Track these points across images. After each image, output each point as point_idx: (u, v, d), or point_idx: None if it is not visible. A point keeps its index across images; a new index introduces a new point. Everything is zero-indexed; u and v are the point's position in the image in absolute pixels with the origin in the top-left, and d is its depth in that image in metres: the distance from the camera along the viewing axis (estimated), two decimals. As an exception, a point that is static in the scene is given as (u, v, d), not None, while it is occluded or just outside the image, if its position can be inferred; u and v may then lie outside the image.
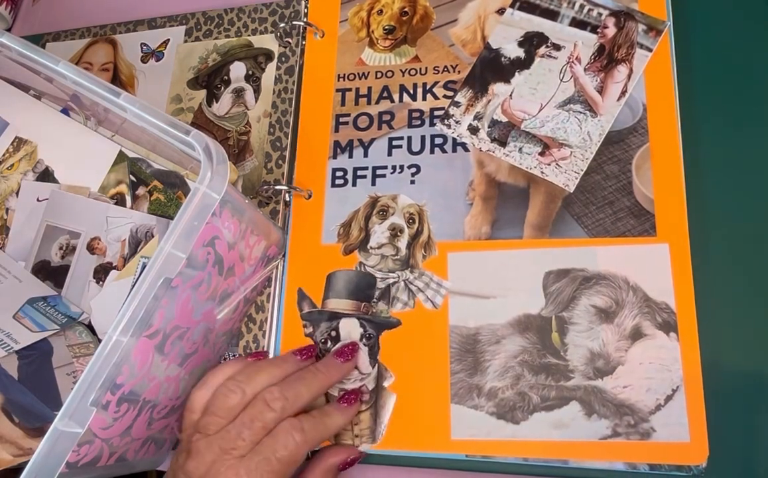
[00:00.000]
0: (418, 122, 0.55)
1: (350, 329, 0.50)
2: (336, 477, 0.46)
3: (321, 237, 0.53)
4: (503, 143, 0.52)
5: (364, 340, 0.49)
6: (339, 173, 0.55)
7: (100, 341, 0.51)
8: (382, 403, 0.48)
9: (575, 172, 0.50)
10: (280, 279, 0.53)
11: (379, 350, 0.49)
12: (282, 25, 0.60)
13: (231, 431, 0.41)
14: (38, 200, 0.57)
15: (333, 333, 0.50)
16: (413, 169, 0.53)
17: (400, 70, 0.57)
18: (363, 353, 0.49)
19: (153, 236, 0.53)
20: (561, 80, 0.52)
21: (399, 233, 0.52)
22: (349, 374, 0.48)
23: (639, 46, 0.52)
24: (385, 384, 0.48)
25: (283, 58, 0.60)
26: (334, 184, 0.55)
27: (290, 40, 0.60)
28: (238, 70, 0.61)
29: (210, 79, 0.62)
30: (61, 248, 0.55)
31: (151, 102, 0.62)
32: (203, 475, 0.40)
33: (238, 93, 0.60)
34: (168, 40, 0.65)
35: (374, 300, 0.50)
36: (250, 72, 0.61)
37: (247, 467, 0.39)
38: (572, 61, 0.53)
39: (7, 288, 0.53)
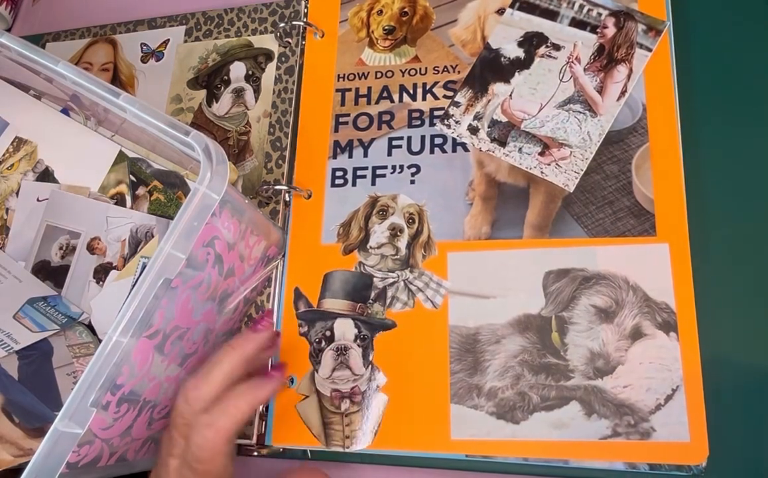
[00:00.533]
0: (418, 122, 0.55)
1: (345, 330, 0.50)
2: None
3: (321, 237, 0.53)
4: (503, 143, 0.52)
5: (358, 341, 0.50)
6: (339, 173, 0.55)
7: (100, 341, 0.51)
8: (374, 404, 0.48)
9: (575, 172, 0.50)
10: (280, 279, 0.53)
11: (373, 351, 0.49)
12: (282, 25, 0.60)
13: (167, 435, 0.42)
14: (38, 200, 0.57)
15: (328, 333, 0.50)
16: (413, 169, 0.53)
17: (400, 70, 0.57)
18: (356, 354, 0.49)
19: (153, 236, 0.52)
20: (561, 80, 0.52)
21: (399, 233, 0.52)
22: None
23: (639, 46, 0.52)
24: (378, 385, 0.48)
25: (283, 58, 0.60)
26: (333, 184, 0.55)
27: (290, 40, 0.60)
28: (238, 70, 0.61)
29: (210, 79, 0.62)
30: (61, 248, 0.55)
31: (151, 102, 0.62)
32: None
33: (238, 93, 0.60)
34: (168, 40, 0.65)
35: (370, 301, 0.50)
36: (250, 72, 0.61)
37: (177, 473, 0.41)
38: (572, 61, 0.53)
39: (7, 288, 0.53)
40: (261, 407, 0.50)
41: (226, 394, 0.42)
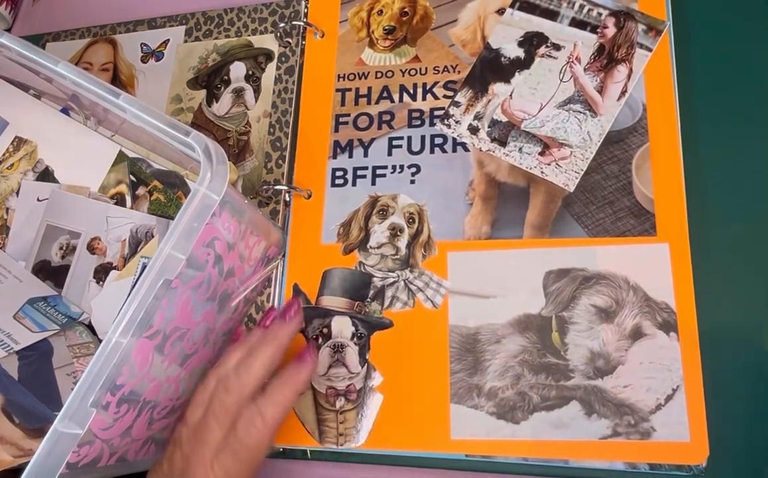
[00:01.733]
0: (418, 122, 0.55)
1: (342, 327, 0.50)
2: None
3: (321, 237, 0.53)
4: (503, 143, 0.52)
5: (355, 339, 0.50)
6: (339, 173, 0.55)
7: (100, 341, 0.51)
8: (369, 403, 0.48)
9: (575, 172, 0.50)
10: (280, 279, 0.53)
11: (370, 349, 0.49)
12: (282, 25, 0.60)
13: (203, 422, 0.42)
14: (38, 200, 0.57)
15: (325, 330, 0.50)
16: (413, 169, 0.53)
17: (400, 70, 0.57)
18: (353, 352, 0.49)
19: (153, 236, 0.53)
20: (561, 80, 0.52)
21: (399, 233, 0.52)
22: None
23: (639, 46, 0.52)
24: (373, 384, 0.48)
25: (283, 58, 0.60)
26: (334, 184, 0.55)
27: (290, 40, 0.60)
28: (238, 70, 0.61)
29: (210, 79, 0.62)
30: (61, 248, 0.55)
31: (151, 102, 0.62)
32: (184, 468, 0.41)
33: (238, 93, 0.60)
34: (168, 40, 0.65)
35: (368, 300, 0.50)
36: (250, 72, 0.61)
37: (219, 461, 0.41)
38: (572, 61, 0.53)
39: (8, 288, 0.53)
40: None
41: (271, 384, 0.43)
